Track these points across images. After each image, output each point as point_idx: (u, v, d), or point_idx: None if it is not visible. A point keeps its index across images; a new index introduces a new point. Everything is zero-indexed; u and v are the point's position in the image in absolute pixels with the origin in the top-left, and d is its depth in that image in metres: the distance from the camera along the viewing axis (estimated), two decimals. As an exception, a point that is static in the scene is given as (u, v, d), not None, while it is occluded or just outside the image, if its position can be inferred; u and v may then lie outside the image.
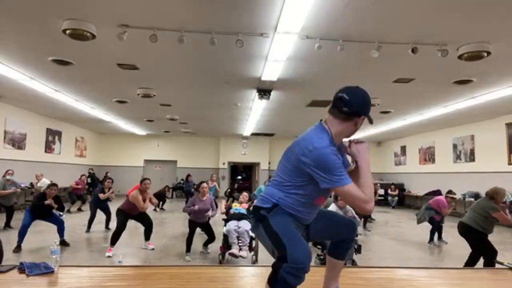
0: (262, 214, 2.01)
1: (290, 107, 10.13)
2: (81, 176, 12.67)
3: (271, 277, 1.92)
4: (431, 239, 7.25)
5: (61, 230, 6.32)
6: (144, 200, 5.99)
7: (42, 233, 7.33)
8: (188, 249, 5.76)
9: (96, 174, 15.51)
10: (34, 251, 5.85)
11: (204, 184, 6.05)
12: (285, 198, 2.00)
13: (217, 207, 6.15)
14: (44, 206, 6.13)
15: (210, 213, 5.85)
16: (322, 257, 4.89)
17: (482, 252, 4.77)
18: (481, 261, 4.80)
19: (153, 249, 6.19)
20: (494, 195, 4.77)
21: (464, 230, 4.90)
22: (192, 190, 14.01)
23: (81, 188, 12.08)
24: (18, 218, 9.34)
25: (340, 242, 2.26)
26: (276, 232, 1.93)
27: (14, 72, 7.09)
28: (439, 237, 7.40)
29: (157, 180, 16.70)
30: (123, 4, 4.34)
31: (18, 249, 5.79)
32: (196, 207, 5.73)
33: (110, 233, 7.63)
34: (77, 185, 11.89)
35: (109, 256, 5.66)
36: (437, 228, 7.26)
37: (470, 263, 4.82)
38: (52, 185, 6.44)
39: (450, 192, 7.69)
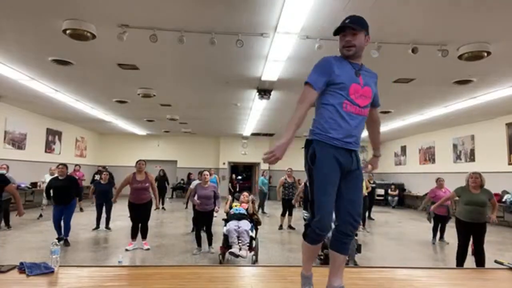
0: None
1: (290, 107, 10.06)
2: (75, 166, 11.76)
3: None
4: (433, 236, 7.30)
5: (66, 229, 6.38)
6: (141, 182, 6.09)
7: (42, 233, 7.35)
8: (198, 244, 6.01)
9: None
10: (34, 251, 5.85)
11: (206, 172, 6.24)
12: None
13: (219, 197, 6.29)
14: (59, 186, 6.31)
15: (216, 207, 6.05)
16: (322, 256, 4.89)
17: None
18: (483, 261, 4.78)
19: (148, 249, 6.13)
20: None
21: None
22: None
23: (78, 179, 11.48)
24: (17, 218, 9.36)
25: (338, 235, 2.24)
26: None
27: (14, 72, 7.09)
28: (441, 237, 7.40)
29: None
30: (123, 4, 4.34)
31: (60, 241, 5.98)
32: (198, 193, 5.98)
33: (110, 233, 7.70)
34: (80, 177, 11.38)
35: (127, 250, 6.01)
36: (437, 225, 7.28)
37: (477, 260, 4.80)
38: (60, 164, 6.58)
39: (438, 179, 7.59)
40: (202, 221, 6.05)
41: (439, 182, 7.43)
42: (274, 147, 2.04)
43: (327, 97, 2.21)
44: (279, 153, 2.03)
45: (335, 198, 2.17)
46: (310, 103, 2.20)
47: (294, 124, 2.13)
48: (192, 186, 6.98)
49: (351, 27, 2.26)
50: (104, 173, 8.50)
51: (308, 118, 2.33)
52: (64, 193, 6.29)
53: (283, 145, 2.05)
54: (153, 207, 6.40)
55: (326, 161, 2.14)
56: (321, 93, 2.22)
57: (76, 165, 11.96)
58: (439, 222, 7.28)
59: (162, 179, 12.77)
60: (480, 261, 4.71)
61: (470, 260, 4.99)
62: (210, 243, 6.06)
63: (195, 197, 5.97)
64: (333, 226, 2.28)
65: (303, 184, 8.48)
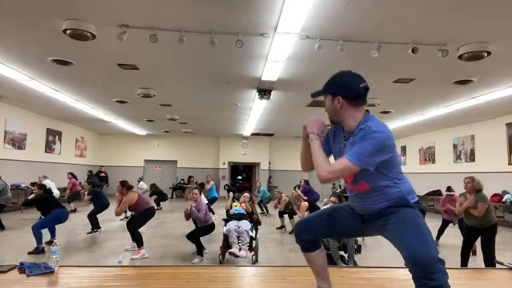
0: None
1: (290, 107, 10.13)
2: (68, 174, 11.92)
3: None
4: (437, 237, 7.28)
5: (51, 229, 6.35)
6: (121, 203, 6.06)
7: (42, 233, 7.33)
8: (199, 251, 5.69)
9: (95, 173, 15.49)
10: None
11: (195, 191, 5.99)
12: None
13: (210, 211, 6.10)
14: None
15: (198, 214, 5.73)
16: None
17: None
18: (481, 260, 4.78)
19: (132, 259, 5.67)
20: None
21: None
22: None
23: (76, 187, 11.45)
24: (17, 218, 9.36)
25: None
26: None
27: (14, 72, 7.08)
28: (437, 238, 7.38)
29: (157, 180, 16.74)
30: (123, 4, 4.34)
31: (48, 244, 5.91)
32: (193, 216, 5.85)
33: (110, 233, 7.69)
34: (73, 186, 11.40)
35: (126, 250, 6.07)
36: (443, 228, 7.23)
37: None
38: (36, 184, 6.64)
39: (448, 189, 7.38)
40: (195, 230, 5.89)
41: (449, 198, 7.00)
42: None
43: None
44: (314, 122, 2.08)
45: None
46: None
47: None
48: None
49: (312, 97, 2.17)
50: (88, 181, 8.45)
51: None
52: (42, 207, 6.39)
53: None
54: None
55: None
56: None
57: (69, 173, 11.96)
58: (445, 226, 7.24)
59: (157, 192, 12.68)
60: (486, 261, 4.68)
61: (471, 260, 5.00)
62: (199, 252, 5.66)
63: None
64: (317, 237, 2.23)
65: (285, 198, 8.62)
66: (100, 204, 7.86)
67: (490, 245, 4.69)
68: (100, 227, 7.93)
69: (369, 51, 5.24)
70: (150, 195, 12.24)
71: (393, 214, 1.94)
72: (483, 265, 4.64)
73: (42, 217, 6.47)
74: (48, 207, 6.16)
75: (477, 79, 6.95)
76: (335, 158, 2.05)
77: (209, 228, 5.86)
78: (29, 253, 5.70)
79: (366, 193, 2.01)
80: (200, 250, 5.64)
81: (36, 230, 5.89)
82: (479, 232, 4.77)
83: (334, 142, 2.13)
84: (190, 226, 6.64)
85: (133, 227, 5.98)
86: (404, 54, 5.43)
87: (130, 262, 5.45)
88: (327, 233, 2.28)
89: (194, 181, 11.42)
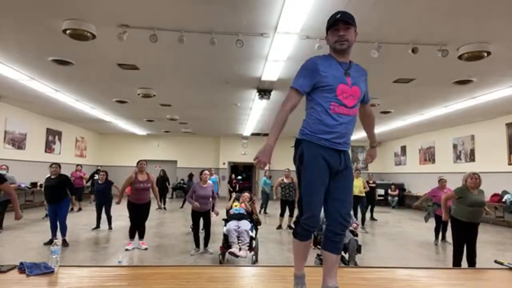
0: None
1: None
2: (77, 166, 12.01)
3: None
4: (436, 237, 7.27)
5: (62, 229, 6.33)
6: (143, 182, 6.17)
7: (42, 233, 7.34)
8: (196, 244, 6.00)
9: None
10: (34, 251, 5.84)
11: (206, 172, 6.21)
12: None
13: (217, 196, 6.29)
14: (50, 185, 6.38)
15: (215, 210, 6.04)
16: (322, 257, 4.88)
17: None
18: (481, 261, 4.78)
19: (146, 249, 6.16)
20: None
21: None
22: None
23: (81, 180, 11.55)
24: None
25: (329, 234, 2.25)
26: None
27: (14, 72, 7.09)
28: (443, 237, 7.36)
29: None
30: (123, 4, 4.34)
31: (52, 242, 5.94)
32: (197, 193, 5.95)
33: (110, 233, 7.70)
34: (79, 177, 11.39)
35: (127, 249, 6.07)
36: (439, 225, 7.23)
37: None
38: (54, 163, 6.62)
39: (440, 179, 7.45)
40: (199, 221, 5.99)
41: (442, 183, 7.25)
42: (259, 153, 2.13)
43: (316, 98, 2.22)
44: (264, 158, 2.11)
45: (325, 198, 2.22)
46: (293, 107, 2.25)
47: (278, 129, 2.22)
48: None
49: (344, 20, 2.17)
50: (101, 172, 8.56)
51: (298, 119, 2.37)
52: (55, 192, 6.30)
53: (266, 150, 2.13)
54: (155, 206, 6.46)
55: (314, 161, 2.18)
56: (309, 94, 2.25)
57: (77, 165, 12.06)
58: (440, 223, 7.23)
59: (162, 179, 12.83)
60: (473, 261, 4.69)
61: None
62: (206, 244, 6.03)
63: (193, 198, 5.93)
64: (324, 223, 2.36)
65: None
66: (109, 199, 8.24)
67: (476, 243, 4.75)
68: (99, 227, 7.99)
69: (369, 51, 5.24)
70: (159, 182, 12.39)
71: (349, 167, 2.31)
72: (483, 265, 4.64)
73: (45, 211, 6.58)
74: (65, 190, 6.42)
75: (477, 79, 6.95)
76: (335, 86, 2.17)
77: (209, 213, 6.14)
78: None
79: (352, 118, 2.25)
80: (207, 240, 5.98)
81: (66, 223, 6.41)
82: (471, 228, 4.77)
83: (328, 69, 2.20)
84: (189, 226, 6.64)
85: (144, 220, 6.35)
86: (404, 54, 5.43)
87: (130, 262, 5.45)
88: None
89: (212, 169, 11.59)
